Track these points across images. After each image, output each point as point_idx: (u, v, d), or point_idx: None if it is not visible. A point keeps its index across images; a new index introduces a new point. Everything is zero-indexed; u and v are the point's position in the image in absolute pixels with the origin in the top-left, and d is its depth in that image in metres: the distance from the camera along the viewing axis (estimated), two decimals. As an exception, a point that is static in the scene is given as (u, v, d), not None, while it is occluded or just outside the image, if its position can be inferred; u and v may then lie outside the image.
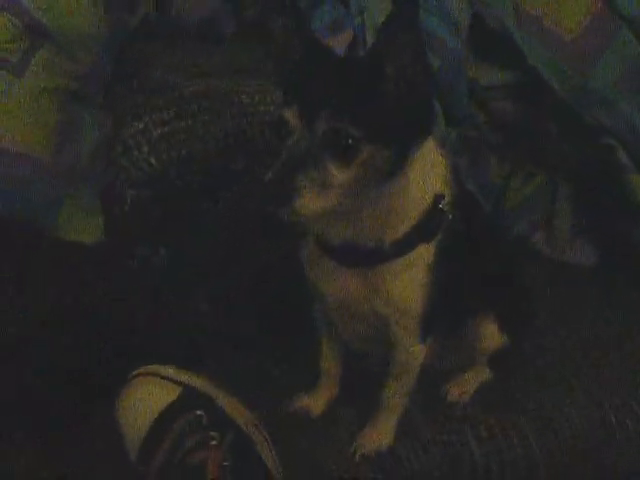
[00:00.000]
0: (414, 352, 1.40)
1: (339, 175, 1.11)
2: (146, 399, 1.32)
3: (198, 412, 1.30)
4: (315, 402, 1.53)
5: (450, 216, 1.28)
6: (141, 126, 1.66)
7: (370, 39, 1.75)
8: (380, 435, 1.46)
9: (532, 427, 1.52)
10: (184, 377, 1.35)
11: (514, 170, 1.96)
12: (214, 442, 1.27)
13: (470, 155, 1.91)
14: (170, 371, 1.35)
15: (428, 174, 1.25)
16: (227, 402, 1.35)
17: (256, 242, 1.68)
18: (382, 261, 1.27)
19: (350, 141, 1.10)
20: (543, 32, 1.81)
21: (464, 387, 1.56)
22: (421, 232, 1.26)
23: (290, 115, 1.13)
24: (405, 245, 1.26)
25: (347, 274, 1.31)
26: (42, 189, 1.55)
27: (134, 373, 1.36)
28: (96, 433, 1.41)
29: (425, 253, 1.28)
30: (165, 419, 1.30)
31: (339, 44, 1.76)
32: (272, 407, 1.49)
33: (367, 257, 1.27)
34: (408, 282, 1.29)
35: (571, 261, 1.92)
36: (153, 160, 1.64)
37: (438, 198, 1.27)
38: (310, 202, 1.10)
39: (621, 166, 1.82)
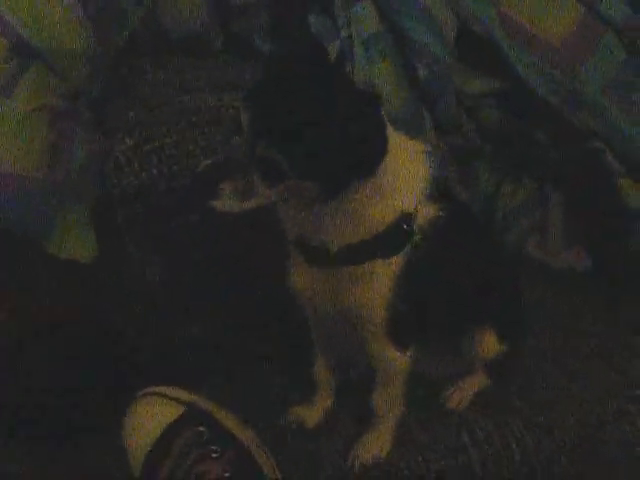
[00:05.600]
0: (391, 360, 1.39)
1: (263, 191, 1.15)
2: (151, 417, 1.35)
3: (200, 428, 1.33)
4: (310, 413, 1.53)
5: (418, 237, 1.27)
6: (131, 142, 1.67)
7: (357, 52, 1.76)
8: (377, 444, 1.46)
9: (529, 431, 1.51)
10: (187, 396, 1.38)
11: (504, 178, 1.96)
12: (215, 455, 1.30)
13: (459, 164, 1.91)
14: (174, 391, 1.38)
15: (400, 188, 1.24)
16: (228, 419, 1.38)
17: (250, 255, 1.68)
18: (334, 264, 1.27)
19: (276, 170, 1.13)
20: (529, 38, 1.82)
21: (462, 394, 1.56)
22: (378, 246, 1.25)
23: (244, 119, 1.15)
24: (359, 254, 1.26)
25: (314, 272, 1.32)
26: (34, 207, 1.56)
27: (140, 393, 1.39)
28: (100, 448, 1.43)
29: (389, 265, 1.27)
30: (168, 436, 1.32)
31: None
32: (268, 418, 1.49)
33: (322, 256, 1.27)
34: (368, 290, 1.29)
35: (565, 267, 1.92)
36: (144, 176, 1.65)
37: (404, 217, 1.26)
38: (227, 205, 1.15)
39: (610, 170, 1.83)
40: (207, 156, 1.66)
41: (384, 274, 1.28)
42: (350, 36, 1.79)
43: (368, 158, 1.16)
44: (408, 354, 1.38)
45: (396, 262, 1.27)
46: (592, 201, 1.89)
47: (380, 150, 1.17)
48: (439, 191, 1.30)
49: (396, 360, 1.39)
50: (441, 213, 1.29)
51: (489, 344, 1.51)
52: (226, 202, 1.15)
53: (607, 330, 1.77)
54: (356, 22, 1.80)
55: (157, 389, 1.39)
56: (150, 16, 1.75)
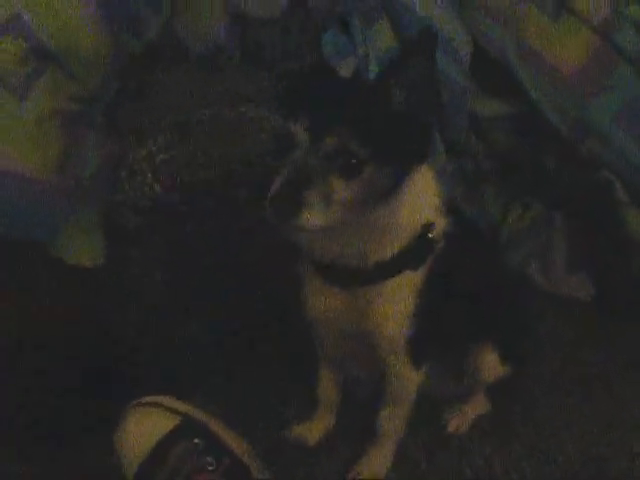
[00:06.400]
0: (406, 379, 1.40)
1: (342, 192, 1.13)
2: (145, 427, 1.35)
3: (195, 440, 1.33)
4: (311, 431, 1.54)
5: (440, 245, 1.29)
6: (145, 152, 1.66)
7: (373, 69, 1.77)
8: (377, 462, 1.47)
9: (528, 457, 1.52)
10: (182, 407, 1.39)
11: (511, 201, 1.98)
12: (211, 467, 1.30)
13: (468, 186, 1.92)
14: (169, 401, 1.39)
15: (420, 201, 1.26)
16: (223, 431, 1.38)
17: (258, 268, 1.69)
18: (365, 282, 1.28)
19: (354, 160, 1.13)
20: (544, 65, 1.83)
21: (462, 419, 1.58)
22: (407, 258, 1.27)
23: (297, 129, 1.14)
24: (389, 268, 1.27)
25: (335, 293, 1.32)
26: (45, 211, 1.56)
27: (134, 402, 1.39)
28: (100, 449, 1.42)
29: (412, 280, 1.29)
30: (163, 446, 1.33)
31: (341, 72, 1.77)
32: (269, 436, 1.50)
33: (350, 276, 1.28)
34: (393, 308, 1.30)
35: (567, 293, 1.93)
36: (156, 186, 1.65)
37: (428, 226, 1.28)
38: (316, 217, 1.12)
39: (617, 199, 1.84)
40: (222, 166, 1.67)
41: (408, 289, 1.29)
42: (367, 54, 1.80)
43: (422, 146, 1.22)
44: (422, 372, 1.40)
45: (419, 276, 1.29)
46: (598, 230, 1.90)
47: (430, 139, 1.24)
48: (447, 209, 1.32)
49: (411, 378, 1.40)
50: (450, 226, 1.31)
51: (492, 365, 1.52)
52: (313, 213, 1.11)
53: (607, 359, 1.78)
54: (372, 40, 1.81)
55: (153, 399, 1.39)
56: (167, 26, 1.75)
